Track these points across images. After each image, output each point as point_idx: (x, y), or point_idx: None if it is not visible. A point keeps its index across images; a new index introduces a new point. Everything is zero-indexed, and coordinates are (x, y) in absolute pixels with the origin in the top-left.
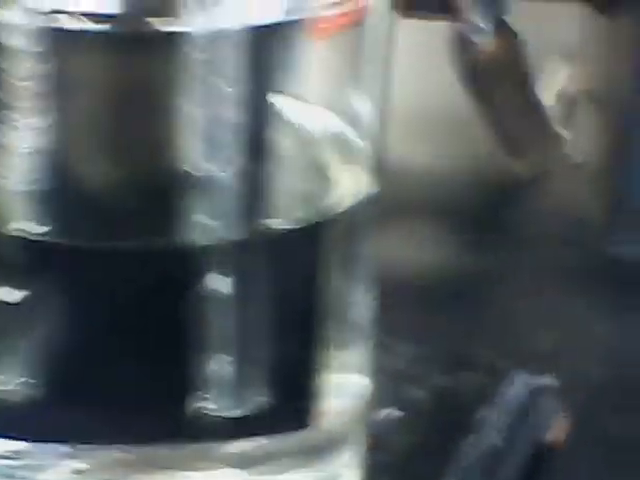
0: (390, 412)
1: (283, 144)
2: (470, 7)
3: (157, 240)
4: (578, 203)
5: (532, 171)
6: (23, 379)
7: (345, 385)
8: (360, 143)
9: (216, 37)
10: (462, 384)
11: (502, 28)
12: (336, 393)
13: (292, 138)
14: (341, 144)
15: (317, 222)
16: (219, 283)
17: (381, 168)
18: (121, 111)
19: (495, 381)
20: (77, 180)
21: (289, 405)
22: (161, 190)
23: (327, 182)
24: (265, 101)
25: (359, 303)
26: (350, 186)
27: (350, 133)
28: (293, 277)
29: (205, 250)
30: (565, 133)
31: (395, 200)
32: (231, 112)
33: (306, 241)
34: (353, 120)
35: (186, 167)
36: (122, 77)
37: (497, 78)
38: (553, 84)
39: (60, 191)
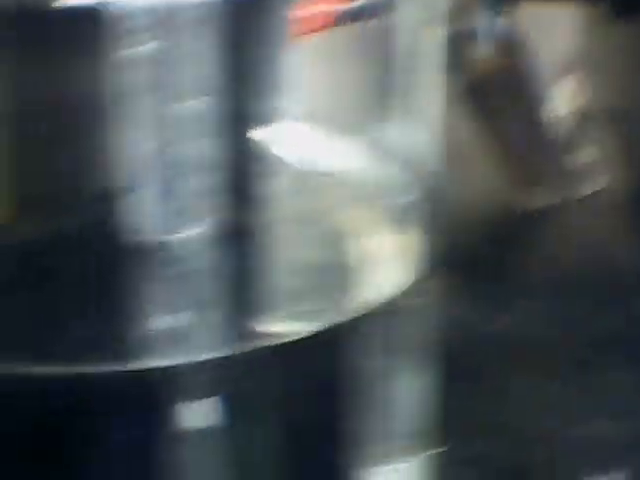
0: None
1: (282, 199)
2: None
3: (102, 363)
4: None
5: (544, 203)
6: None
7: None
8: (408, 191)
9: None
10: None
11: (506, 39)
12: None
13: (296, 188)
14: (376, 195)
15: (340, 324)
16: (196, 418)
17: (442, 227)
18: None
19: None
20: None
21: None
22: (98, 274)
23: (355, 260)
24: (250, 126)
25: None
26: (395, 264)
27: (393, 176)
28: (309, 407)
29: (173, 374)
30: (581, 155)
31: None
32: (198, 145)
33: (325, 355)
34: (394, 156)
35: (131, 237)
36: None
37: (502, 98)
38: (563, 100)
39: None
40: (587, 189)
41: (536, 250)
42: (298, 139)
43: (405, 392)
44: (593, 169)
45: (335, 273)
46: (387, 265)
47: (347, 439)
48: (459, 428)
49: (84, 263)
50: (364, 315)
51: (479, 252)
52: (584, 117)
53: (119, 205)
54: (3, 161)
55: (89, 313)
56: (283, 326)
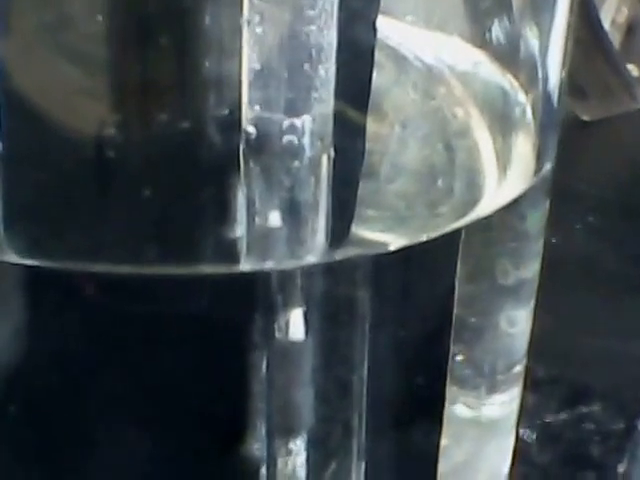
0: None
1: (391, 91)
2: None
3: (187, 266)
4: None
5: (598, 115)
6: None
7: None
8: (524, 99)
9: None
10: (581, 423)
11: None
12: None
13: (410, 87)
14: (491, 99)
15: (447, 235)
16: (294, 327)
17: (555, 142)
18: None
19: (621, 415)
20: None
21: None
22: (192, 176)
23: (467, 163)
24: (363, 23)
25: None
26: (507, 170)
27: (507, 82)
28: (410, 320)
29: (276, 278)
30: (631, 69)
31: None
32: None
33: (430, 261)
34: (512, 61)
35: (234, 136)
36: None
37: None
38: (607, 9)
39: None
40: (637, 104)
41: (591, 165)
42: (411, 36)
43: (504, 320)
44: None
45: (441, 179)
46: (492, 175)
47: (439, 363)
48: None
49: (181, 161)
50: (465, 228)
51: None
52: (629, 30)
53: (224, 99)
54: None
55: (182, 214)
56: (382, 235)
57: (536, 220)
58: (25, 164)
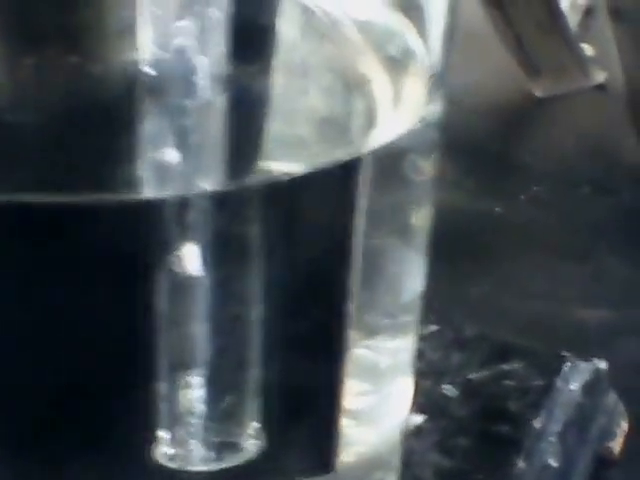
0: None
1: (294, 39)
2: None
3: (103, 194)
4: (604, 132)
5: (551, 92)
6: None
7: (383, 398)
8: (417, 42)
9: None
10: (501, 379)
11: None
12: (369, 415)
13: (308, 30)
14: (385, 42)
15: (345, 163)
16: (194, 258)
17: (445, 81)
18: None
19: (541, 373)
20: None
21: (301, 447)
22: (105, 108)
23: (362, 100)
24: None
25: (408, 274)
26: (399, 107)
27: (402, 26)
28: (306, 245)
29: (175, 206)
30: (586, 49)
31: None
32: None
33: (327, 193)
34: (405, 5)
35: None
36: None
37: None
38: None
39: None
40: (589, 82)
41: (540, 138)
42: None
43: (397, 265)
44: (595, 63)
45: (338, 115)
46: (387, 114)
47: (336, 299)
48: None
49: (82, 98)
50: (359, 160)
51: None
52: (587, 12)
53: (121, 39)
54: None
55: (85, 143)
56: (279, 164)
57: (424, 168)
58: None
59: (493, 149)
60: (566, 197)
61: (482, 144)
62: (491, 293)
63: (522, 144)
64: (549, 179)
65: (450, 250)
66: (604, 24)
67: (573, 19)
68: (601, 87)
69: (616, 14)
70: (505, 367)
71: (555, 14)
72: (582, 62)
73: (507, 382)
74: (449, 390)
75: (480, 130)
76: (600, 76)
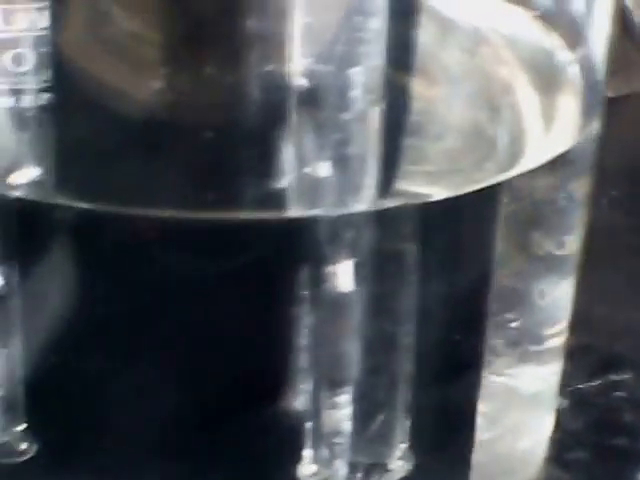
0: None
1: (445, 55)
2: None
3: (230, 211)
4: None
5: (621, 91)
6: None
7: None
8: (571, 61)
9: None
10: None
11: None
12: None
13: (457, 46)
14: (536, 60)
15: (489, 188)
16: (347, 274)
17: (602, 99)
18: None
19: None
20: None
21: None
22: (243, 126)
23: (509, 118)
24: None
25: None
26: (550, 129)
27: (555, 43)
28: (453, 269)
29: (321, 227)
30: None
31: None
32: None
33: (474, 217)
34: (561, 22)
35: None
36: None
37: None
38: None
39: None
40: None
41: (613, 140)
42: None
43: (545, 290)
44: None
45: (486, 135)
46: (536, 133)
47: (479, 321)
48: None
49: (233, 111)
50: (507, 183)
51: None
52: None
53: (275, 50)
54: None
55: (232, 160)
56: (426, 188)
57: (578, 189)
58: (77, 114)
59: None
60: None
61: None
62: (586, 301)
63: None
64: (626, 181)
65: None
66: None
67: (637, 15)
68: None
69: None
70: (614, 378)
71: (621, 11)
72: None
73: (618, 393)
74: (559, 402)
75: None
76: None
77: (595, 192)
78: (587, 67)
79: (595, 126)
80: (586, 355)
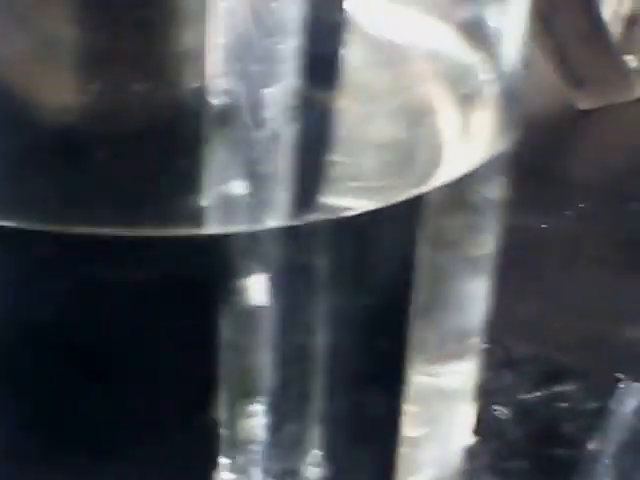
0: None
1: (361, 70)
2: None
3: (168, 228)
4: None
5: (594, 104)
6: None
7: (446, 424)
8: (489, 75)
9: None
10: (554, 401)
11: None
12: (432, 441)
13: (376, 61)
14: (456, 74)
15: (412, 200)
16: (257, 292)
17: (518, 113)
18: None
19: (594, 395)
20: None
21: (362, 474)
22: (172, 138)
23: (429, 132)
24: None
25: (473, 300)
26: (468, 141)
27: (475, 58)
28: (370, 277)
29: (241, 239)
30: (629, 60)
31: None
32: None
33: (393, 226)
34: (478, 37)
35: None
36: None
37: None
38: (609, 0)
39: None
40: (633, 94)
41: (584, 152)
42: (383, 12)
43: (462, 290)
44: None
45: (405, 151)
46: (455, 148)
47: (400, 329)
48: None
49: (148, 127)
50: (427, 195)
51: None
52: (631, 22)
53: (191, 67)
54: None
55: (148, 179)
56: (347, 200)
57: (491, 195)
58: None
59: (536, 163)
60: (612, 212)
61: (525, 158)
62: (539, 311)
63: (565, 158)
64: (594, 194)
65: (495, 267)
66: None
67: (615, 29)
68: None
69: None
70: (558, 389)
71: (597, 24)
72: (625, 73)
73: (560, 404)
74: (501, 411)
75: (522, 144)
76: None
77: (559, 203)
78: (504, 83)
79: (508, 141)
80: (532, 366)
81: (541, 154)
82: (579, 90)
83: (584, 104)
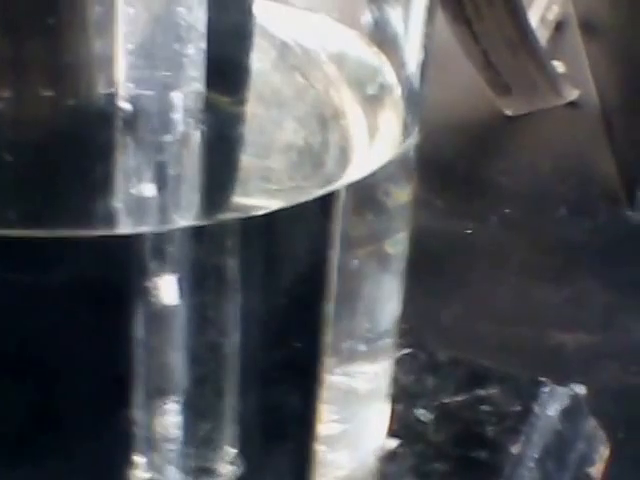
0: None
1: (269, 73)
2: None
3: (79, 229)
4: (578, 151)
5: (522, 110)
6: None
7: (359, 424)
8: (393, 77)
9: None
10: (477, 404)
11: None
12: (346, 440)
13: (283, 64)
14: (361, 76)
15: (321, 199)
16: (167, 291)
17: (421, 112)
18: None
19: (518, 398)
20: None
21: (277, 472)
22: (81, 144)
23: (336, 135)
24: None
25: (384, 300)
26: (374, 142)
27: (378, 60)
28: (282, 276)
29: (151, 239)
30: (557, 65)
31: None
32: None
33: (303, 225)
34: (381, 39)
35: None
36: None
37: (483, 3)
38: (537, 6)
39: None
40: (561, 100)
41: (511, 158)
42: (287, 17)
43: (374, 291)
44: (567, 80)
45: (313, 151)
46: (362, 149)
47: (312, 327)
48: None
49: (59, 132)
50: (334, 193)
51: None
52: (558, 27)
53: (99, 73)
54: None
55: (60, 179)
56: (256, 200)
57: (400, 196)
58: None
59: (462, 169)
60: (539, 218)
61: (451, 163)
62: (463, 316)
63: (492, 164)
64: (521, 199)
65: (420, 271)
66: (575, 39)
67: (543, 35)
68: (574, 104)
69: (587, 29)
70: (481, 392)
71: (524, 30)
72: (553, 79)
73: (483, 407)
74: (423, 415)
75: (449, 149)
76: (572, 93)
77: (485, 209)
78: (406, 85)
79: (413, 141)
80: (455, 369)
81: (468, 159)
82: (506, 96)
83: (512, 110)
